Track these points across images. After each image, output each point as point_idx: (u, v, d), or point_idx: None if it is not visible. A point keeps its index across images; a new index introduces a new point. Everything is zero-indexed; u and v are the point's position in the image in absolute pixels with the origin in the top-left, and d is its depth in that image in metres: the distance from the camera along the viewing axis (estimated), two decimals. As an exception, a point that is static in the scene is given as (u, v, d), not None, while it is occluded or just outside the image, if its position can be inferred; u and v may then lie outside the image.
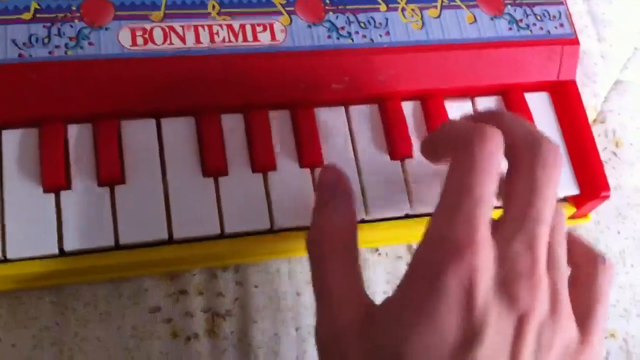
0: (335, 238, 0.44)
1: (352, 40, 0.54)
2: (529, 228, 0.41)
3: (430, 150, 0.50)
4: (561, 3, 0.60)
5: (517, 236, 0.41)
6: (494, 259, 0.39)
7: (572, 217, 0.60)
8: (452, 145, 0.43)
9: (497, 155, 0.41)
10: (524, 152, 0.43)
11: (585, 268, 0.46)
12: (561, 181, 0.56)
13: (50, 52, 0.48)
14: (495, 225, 0.41)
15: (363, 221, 0.52)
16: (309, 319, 0.53)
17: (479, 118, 0.47)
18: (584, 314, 0.44)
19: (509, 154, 0.44)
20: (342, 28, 0.54)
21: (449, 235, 0.39)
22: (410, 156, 0.54)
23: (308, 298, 0.53)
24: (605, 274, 0.46)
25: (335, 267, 0.43)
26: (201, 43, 0.51)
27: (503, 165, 0.43)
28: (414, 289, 0.39)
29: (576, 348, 0.42)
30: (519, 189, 0.42)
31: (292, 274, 0.54)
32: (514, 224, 0.41)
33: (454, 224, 0.39)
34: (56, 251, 0.46)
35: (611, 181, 0.59)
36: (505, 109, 0.48)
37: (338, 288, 0.42)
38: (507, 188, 0.43)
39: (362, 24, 0.54)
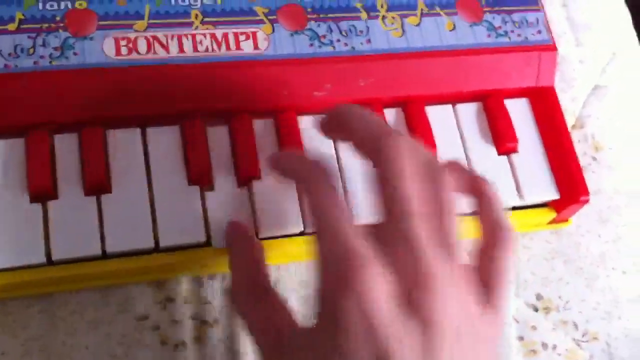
0: (252, 288, 0.46)
1: (334, 48, 0.54)
2: (401, 228, 0.40)
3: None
4: (539, 10, 0.61)
5: (393, 239, 0.40)
6: (383, 268, 0.39)
7: (552, 222, 0.60)
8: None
9: (325, 179, 0.43)
10: (372, 153, 0.43)
11: (487, 237, 0.45)
12: (541, 186, 0.57)
13: (35, 62, 0.48)
14: (374, 230, 0.41)
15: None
16: (295, 325, 0.53)
17: (322, 125, 0.49)
18: (490, 286, 0.43)
19: (364, 156, 0.44)
20: (324, 36, 0.54)
21: (328, 269, 0.39)
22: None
23: (294, 304, 0.54)
24: (504, 245, 0.45)
25: (247, 310, 0.45)
26: (185, 52, 0.51)
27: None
28: (320, 322, 0.40)
29: (483, 325, 0.42)
30: (380, 190, 0.42)
31: (278, 281, 0.54)
32: (387, 228, 0.41)
33: (327, 255, 0.39)
34: (43, 260, 0.47)
35: (591, 185, 0.60)
36: (352, 105, 0.48)
37: (257, 329, 0.44)
38: (376, 188, 0.43)
39: (343, 32, 0.55)
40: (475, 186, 0.47)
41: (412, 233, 0.40)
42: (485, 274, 0.44)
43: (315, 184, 0.43)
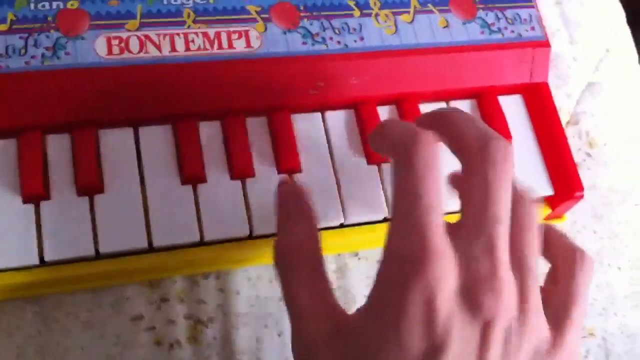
0: (300, 255, 0.43)
1: (327, 46, 0.54)
2: (485, 231, 0.40)
3: (375, 149, 0.49)
4: (532, 6, 0.61)
5: (474, 241, 0.40)
6: (455, 265, 0.39)
7: (547, 218, 0.60)
8: (391, 150, 0.43)
9: (435, 159, 0.41)
10: (473, 152, 0.42)
11: (563, 264, 0.46)
12: (536, 182, 0.57)
13: (26, 63, 0.48)
14: (454, 228, 0.41)
15: (342, 226, 0.53)
16: (291, 324, 0.53)
17: (424, 120, 0.47)
18: (560, 313, 0.44)
19: (460, 154, 0.44)
20: (317, 34, 0.54)
21: (403, 251, 0.39)
22: (387, 161, 0.54)
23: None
24: (583, 271, 0.45)
25: (302, 284, 0.43)
26: (177, 51, 0.51)
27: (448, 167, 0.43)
28: (379, 307, 0.40)
29: (548, 349, 0.42)
30: (472, 191, 0.42)
31: (274, 279, 0.54)
32: (470, 228, 0.41)
33: (407, 239, 0.39)
34: (36, 261, 0.46)
35: (586, 181, 0.60)
36: (456, 109, 0.48)
37: (306, 304, 0.43)
38: (462, 191, 0.43)
39: (336, 30, 0.55)
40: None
41: (494, 238, 0.40)
42: (560, 298, 0.44)
43: (410, 166, 0.41)
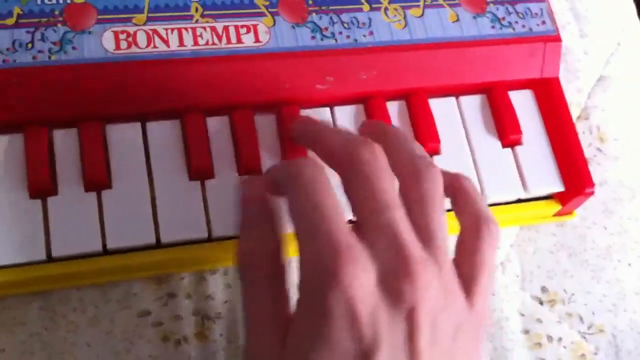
0: (261, 264, 0.43)
1: (336, 40, 0.54)
2: (381, 221, 0.41)
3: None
4: (543, 0, 0.60)
5: (376, 234, 0.40)
6: (369, 262, 0.39)
7: (558, 214, 0.60)
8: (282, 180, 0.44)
9: (318, 177, 0.42)
10: (341, 161, 0.44)
11: (469, 233, 0.46)
12: (546, 178, 0.57)
13: (34, 57, 0.48)
14: (357, 231, 0.41)
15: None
16: (298, 320, 0.53)
17: (296, 136, 0.50)
18: (469, 280, 0.44)
19: (332, 167, 0.45)
20: (326, 28, 0.54)
21: (315, 262, 0.39)
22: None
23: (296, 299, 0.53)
24: (488, 239, 0.45)
25: (260, 293, 0.43)
26: (185, 46, 0.51)
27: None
28: (305, 319, 0.40)
29: (465, 316, 0.42)
30: (352, 190, 0.43)
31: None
32: (367, 225, 0.41)
33: (315, 248, 0.39)
34: (44, 257, 0.46)
35: (596, 177, 0.60)
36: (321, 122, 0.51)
37: (256, 312, 0.43)
38: (349, 197, 0.43)
39: (345, 24, 0.55)
40: (453, 183, 0.48)
41: (392, 224, 0.41)
42: (467, 266, 0.45)
43: (299, 182, 0.42)
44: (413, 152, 0.46)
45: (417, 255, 0.40)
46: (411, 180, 0.44)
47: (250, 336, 0.43)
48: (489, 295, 0.47)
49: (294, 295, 0.42)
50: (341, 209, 0.41)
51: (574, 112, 0.65)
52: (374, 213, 0.41)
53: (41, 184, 0.47)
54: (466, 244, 0.46)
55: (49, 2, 0.50)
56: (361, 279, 0.38)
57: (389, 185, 0.42)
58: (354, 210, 0.43)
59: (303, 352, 0.39)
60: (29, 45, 0.48)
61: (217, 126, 0.52)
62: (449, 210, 0.46)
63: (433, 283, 0.40)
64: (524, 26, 0.59)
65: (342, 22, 0.55)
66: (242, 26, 0.52)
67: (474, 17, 0.58)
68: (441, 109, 0.57)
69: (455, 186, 0.48)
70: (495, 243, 0.46)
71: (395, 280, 0.39)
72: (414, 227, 0.42)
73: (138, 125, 0.51)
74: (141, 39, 0.50)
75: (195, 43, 0.51)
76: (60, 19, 0.49)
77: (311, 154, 0.48)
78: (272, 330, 0.42)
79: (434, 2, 0.57)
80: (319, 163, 0.43)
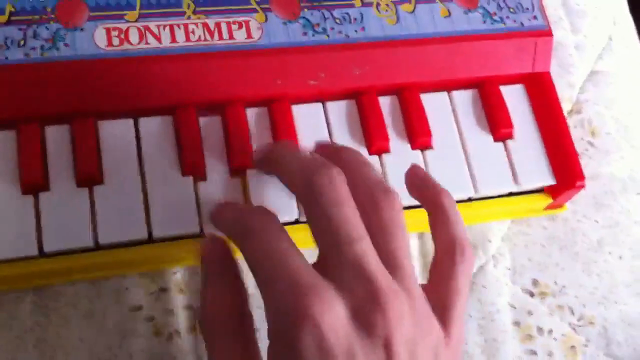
0: (227, 319, 0.43)
1: (328, 36, 0.54)
2: (347, 254, 0.40)
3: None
4: (534, -5, 0.61)
5: (340, 267, 0.40)
6: (336, 297, 0.38)
7: (549, 208, 0.60)
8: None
9: (269, 219, 0.42)
10: (301, 192, 0.43)
11: (443, 258, 0.45)
12: (537, 172, 0.57)
13: (26, 54, 0.48)
14: (320, 267, 0.40)
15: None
16: (290, 314, 0.53)
17: (256, 160, 0.50)
18: (443, 307, 0.43)
19: (294, 192, 0.45)
20: (318, 24, 0.54)
21: (280, 306, 0.39)
22: (388, 151, 0.55)
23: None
24: (462, 266, 0.45)
25: (228, 348, 0.42)
26: (177, 42, 0.51)
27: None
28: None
29: (441, 344, 0.42)
30: (311, 222, 0.42)
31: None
32: (332, 259, 0.40)
33: (279, 294, 0.39)
34: (36, 252, 0.47)
35: (588, 171, 0.60)
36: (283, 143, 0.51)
37: None
38: (311, 229, 0.42)
39: (337, 20, 0.55)
40: (435, 200, 0.47)
41: (357, 255, 0.40)
42: (441, 292, 0.44)
43: (251, 235, 0.41)
44: (369, 178, 0.45)
45: (386, 286, 0.39)
46: (371, 209, 0.43)
47: None
48: (464, 322, 0.46)
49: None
50: (298, 250, 0.40)
51: (566, 107, 0.65)
52: (336, 247, 0.40)
53: (33, 180, 0.47)
54: (440, 268, 0.45)
55: (41, -1, 0.50)
56: (330, 314, 0.37)
57: (350, 214, 0.41)
58: (316, 243, 0.42)
59: None
60: (21, 42, 0.48)
61: (209, 122, 0.52)
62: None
63: (405, 312, 0.39)
64: (515, 21, 0.59)
65: (334, 18, 0.55)
66: (234, 22, 0.53)
67: (466, 12, 0.58)
68: (433, 103, 0.57)
69: (435, 203, 0.47)
70: (470, 269, 0.45)
71: (367, 313, 0.38)
72: (380, 255, 0.41)
73: (130, 121, 0.51)
74: (133, 35, 0.50)
75: (187, 39, 0.51)
76: (53, 16, 0.49)
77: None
78: None
79: (426, -3, 0.58)
80: (265, 209, 0.43)
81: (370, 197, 0.43)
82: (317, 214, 0.41)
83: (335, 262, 0.40)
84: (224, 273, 0.44)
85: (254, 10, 0.53)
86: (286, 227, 0.49)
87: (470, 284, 0.46)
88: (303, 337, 0.37)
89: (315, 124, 0.54)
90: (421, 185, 0.48)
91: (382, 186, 0.44)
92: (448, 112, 0.58)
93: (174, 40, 0.51)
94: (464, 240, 0.46)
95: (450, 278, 0.44)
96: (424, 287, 0.43)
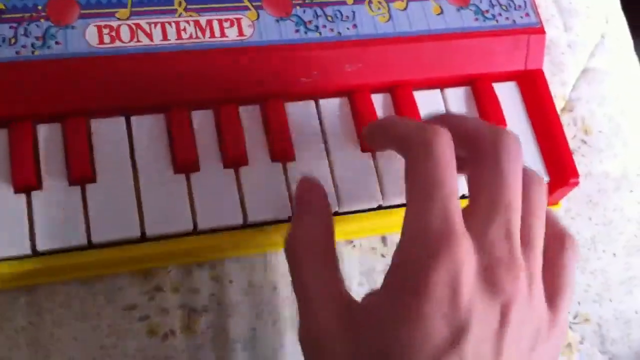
0: (312, 246, 0.44)
1: (320, 34, 0.54)
2: (503, 216, 0.41)
3: (372, 142, 0.52)
4: (526, -8, 0.61)
5: (492, 225, 0.41)
6: (474, 249, 0.40)
7: (542, 205, 0.60)
8: (403, 143, 0.44)
9: (452, 151, 0.42)
10: (487, 144, 0.44)
11: (553, 247, 0.46)
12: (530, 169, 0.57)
13: (17, 53, 0.48)
14: (467, 215, 0.42)
15: (336, 214, 0.52)
16: (285, 312, 0.53)
17: (433, 119, 0.49)
18: (553, 294, 0.45)
19: (472, 146, 0.45)
20: (310, 22, 0.54)
21: (427, 232, 0.40)
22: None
23: (284, 291, 0.53)
24: (572, 254, 0.46)
25: (313, 274, 0.44)
26: (168, 40, 0.51)
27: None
28: (399, 289, 0.40)
29: (547, 328, 0.43)
30: (486, 180, 0.43)
31: (268, 268, 0.54)
32: (486, 214, 0.42)
33: (430, 220, 0.40)
34: (29, 251, 0.46)
35: (581, 168, 0.60)
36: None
37: (317, 291, 0.43)
38: (473, 179, 0.44)
39: (329, 18, 0.55)
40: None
41: (508, 222, 0.42)
42: (553, 279, 0.45)
43: (432, 154, 0.42)
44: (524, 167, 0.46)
45: (520, 258, 0.41)
46: (525, 188, 0.44)
47: (308, 318, 0.43)
48: (569, 312, 0.48)
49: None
50: (457, 186, 0.42)
51: (559, 105, 0.65)
52: (495, 206, 0.42)
53: (25, 179, 0.47)
54: (551, 258, 0.46)
55: (32, -3, 0.50)
56: (467, 263, 0.39)
57: (518, 184, 0.43)
58: (477, 191, 0.43)
59: (391, 327, 0.39)
60: (12, 41, 0.48)
61: (201, 119, 0.52)
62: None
63: (525, 288, 0.41)
64: (507, 18, 0.59)
65: (326, 16, 0.55)
66: (226, 20, 0.53)
67: (458, 10, 0.58)
68: (426, 101, 0.57)
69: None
70: (578, 259, 0.47)
71: (497, 275, 0.40)
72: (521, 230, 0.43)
73: (122, 119, 0.50)
74: (125, 33, 0.50)
75: (179, 37, 0.51)
76: (44, 13, 0.49)
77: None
78: (333, 310, 0.42)
79: (418, -5, 0.58)
80: (451, 140, 0.43)
81: (526, 177, 0.45)
82: (491, 172, 0.43)
83: (486, 219, 0.41)
84: (315, 206, 0.47)
85: (246, 8, 0.53)
86: (278, 226, 0.50)
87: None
88: (440, 269, 0.38)
89: (308, 121, 0.54)
90: None
91: (535, 173, 0.46)
92: (441, 109, 0.57)
93: (165, 38, 0.51)
94: (572, 235, 0.47)
95: (564, 267, 0.46)
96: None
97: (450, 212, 0.40)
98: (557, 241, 0.47)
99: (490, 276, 0.40)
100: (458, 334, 0.38)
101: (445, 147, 0.42)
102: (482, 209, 0.42)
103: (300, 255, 0.44)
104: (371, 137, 0.51)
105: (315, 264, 0.44)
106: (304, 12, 0.54)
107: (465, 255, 0.39)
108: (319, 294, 0.43)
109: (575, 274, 0.47)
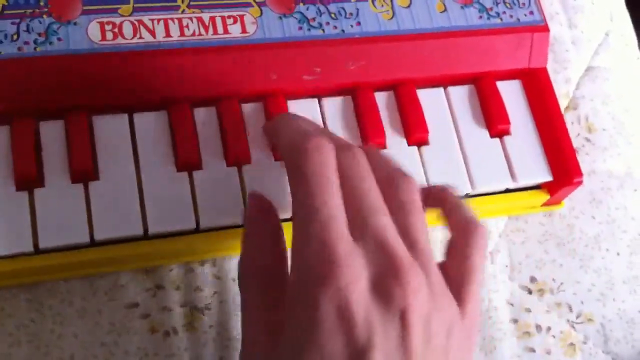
0: (257, 274, 0.44)
1: (323, 31, 0.54)
2: (369, 224, 0.41)
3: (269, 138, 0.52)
4: (530, -10, 0.60)
5: (364, 237, 0.40)
6: (364, 264, 0.39)
7: (546, 204, 0.60)
8: (283, 152, 0.44)
9: (326, 166, 0.42)
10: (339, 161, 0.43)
11: (458, 238, 0.46)
12: (534, 168, 0.57)
13: (19, 49, 0.48)
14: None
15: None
16: (287, 311, 0.53)
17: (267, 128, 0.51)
18: (459, 284, 0.44)
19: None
20: (313, 19, 0.54)
21: (308, 261, 0.39)
22: (384, 147, 0.54)
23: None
24: (477, 243, 0.45)
25: (254, 300, 0.43)
26: (171, 36, 0.51)
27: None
28: (296, 324, 0.40)
29: (457, 320, 0.42)
30: (344, 191, 0.42)
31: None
32: (356, 225, 0.41)
33: (309, 251, 0.39)
34: (31, 249, 0.46)
35: (585, 167, 0.60)
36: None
37: (253, 319, 0.43)
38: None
39: (332, 15, 0.54)
40: (439, 195, 0.48)
41: (379, 227, 0.40)
42: (458, 271, 0.45)
43: (304, 174, 0.41)
44: (387, 162, 0.46)
45: (405, 260, 0.40)
46: (391, 190, 0.43)
47: (245, 338, 0.43)
48: (479, 301, 0.47)
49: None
50: (342, 208, 0.41)
51: (562, 103, 0.65)
52: (362, 218, 0.41)
53: (28, 176, 0.47)
54: (456, 248, 0.46)
55: (34, -7, 0.50)
56: (356, 283, 0.38)
57: (373, 187, 0.43)
58: (345, 207, 0.42)
59: (296, 355, 0.39)
60: (15, 37, 0.48)
61: (204, 117, 0.52)
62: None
63: (422, 286, 0.40)
64: (511, 16, 0.59)
65: (330, 13, 0.54)
66: (229, 17, 0.52)
67: (462, 7, 0.58)
68: (429, 99, 0.57)
69: (440, 197, 0.48)
70: (484, 248, 0.46)
71: (386, 284, 0.39)
72: (398, 232, 0.42)
73: (125, 116, 0.50)
74: (127, 29, 0.50)
75: (182, 34, 0.51)
76: (46, 9, 0.49)
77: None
78: (265, 335, 0.42)
79: (422, -8, 0.57)
80: (330, 146, 0.43)
81: (390, 179, 0.44)
82: (345, 181, 0.42)
83: (357, 234, 0.40)
84: (265, 230, 0.45)
85: (249, 5, 0.53)
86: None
87: (485, 261, 0.46)
88: (324, 300, 0.38)
89: (311, 119, 0.53)
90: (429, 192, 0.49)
91: (401, 170, 0.45)
92: (444, 107, 0.57)
93: (168, 34, 0.51)
94: (476, 220, 0.46)
95: (465, 256, 0.45)
96: (440, 266, 0.44)
97: (328, 237, 0.39)
98: (460, 230, 0.46)
99: (381, 288, 0.39)
100: (362, 356, 0.38)
101: (317, 162, 0.41)
102: (352, 220, 0.41)
103: (241, 280, 0.44)
104: (268, 137, 0.51)
105: (252, 290, 0.44)
106: (307, 9, 0.54)
107: (350, 277, 0.38)
108: (252, 320, 0.43)
109: (483, 263, 0.46)
